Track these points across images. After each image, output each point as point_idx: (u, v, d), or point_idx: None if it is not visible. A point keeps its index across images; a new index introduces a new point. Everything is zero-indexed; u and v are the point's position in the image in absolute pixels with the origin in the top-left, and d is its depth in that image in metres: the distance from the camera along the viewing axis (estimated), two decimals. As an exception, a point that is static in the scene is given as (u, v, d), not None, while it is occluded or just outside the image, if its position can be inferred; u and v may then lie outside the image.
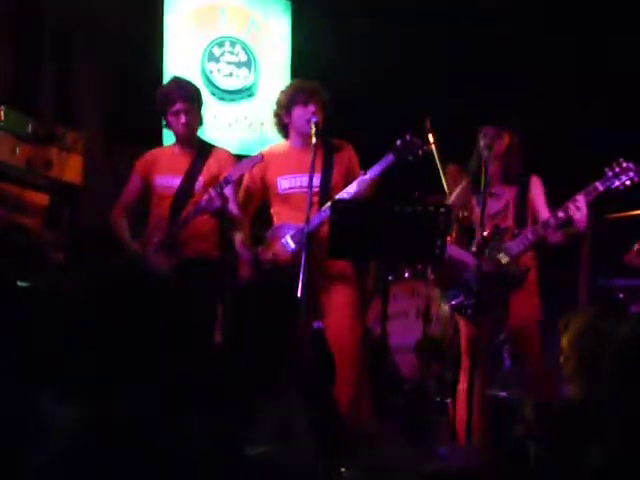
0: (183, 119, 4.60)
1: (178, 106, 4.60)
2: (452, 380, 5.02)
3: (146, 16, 6.41)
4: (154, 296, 1.89)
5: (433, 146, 5.01)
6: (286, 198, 4.62)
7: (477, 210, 4.49)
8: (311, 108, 4.55)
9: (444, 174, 5.03)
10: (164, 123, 4.73)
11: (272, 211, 4.74)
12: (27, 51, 5.74)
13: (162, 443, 1.80)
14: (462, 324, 4.56)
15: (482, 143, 4.40)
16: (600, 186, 4.28)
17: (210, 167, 4.71)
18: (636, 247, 5.09)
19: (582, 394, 3.11)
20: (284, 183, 4.62)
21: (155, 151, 4.85)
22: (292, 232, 4.46)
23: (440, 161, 5.00)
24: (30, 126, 4.92)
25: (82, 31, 6.07)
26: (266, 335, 3.05)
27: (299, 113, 4.59)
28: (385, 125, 6.29)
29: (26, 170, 4.88)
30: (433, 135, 4.92)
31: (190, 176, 4.67)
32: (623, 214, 5.41)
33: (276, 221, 4.66)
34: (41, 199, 4.99)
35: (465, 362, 4.51)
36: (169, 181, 4.67)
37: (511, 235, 4.45)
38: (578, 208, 4.24)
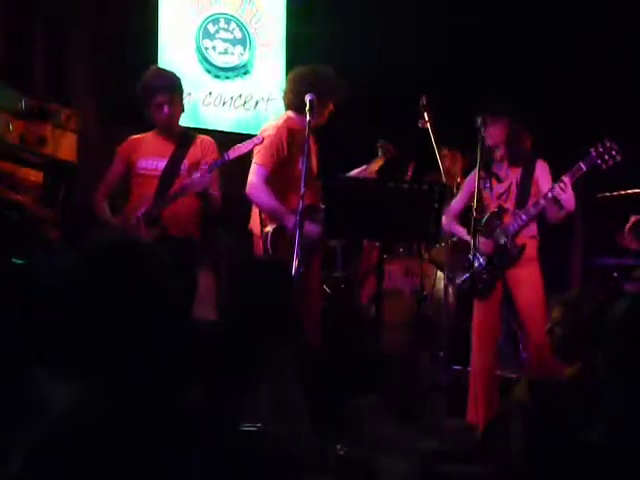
0: (166, 110, 4.65)
1: (160, 99, 4.63)
2: (445, 358, 5.07)
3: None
4: (147, 264, 1.89)
5: (429, 124, 5.00)
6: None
7: (485, 194, 4.72)
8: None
9: (440, 154, 5.04)
10: (146, 112, 4.73)
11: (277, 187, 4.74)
12: (20, 29, 5.70)
13: (158, 419, 1.81)
14: (475, 305, 4.70)
15: (490, 129, 4.58)
16: (584, 166, 4.44)
17: (194, 152, 4.76)
18: (628, 226, 5.15)
19: (576, 370, 3.13)
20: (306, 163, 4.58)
21: (137, 137, 4.86)
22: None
23: (436, 140, 5.00)
24: (24, 103, 4.89)
25: (75, 8, 6.02)
26: (262, 312, 3.05)
27: None
28: (381, 105, 6.32)
29: (20, 147, 4.86)
30: (429, 113, 4.91)
31: (175, 159, 4.73)
32: (616, 193, 5.44)
33: (293, 200, 4.61)
34: (35, 176, 4.97)
35: (475, 342, 4.61)
36: (154, 163, 4.72)
37: (510, 216, 4.64)
38: (562, 189, 4.37)
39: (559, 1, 6.53)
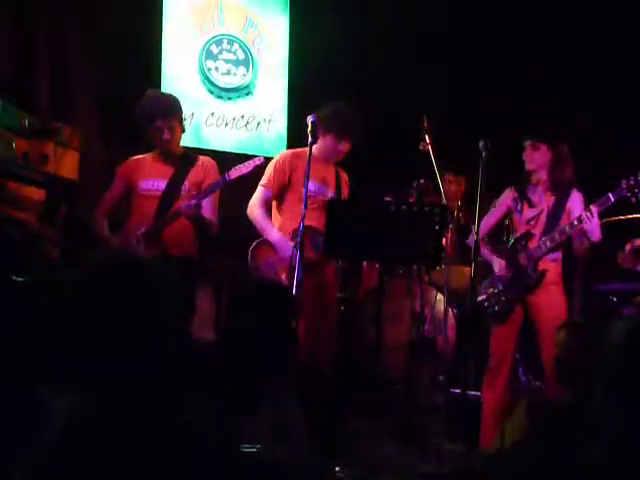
0: (167, 135, 4.69)
1: (159, 123, 4.68)
2: (445, 381, 5.06)
3: (145, 13, 6.41)
4: (147, 279, 1.89)
5: (430, 147, 5.00)
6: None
7: (515, 216, 4.76)
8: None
9: (441, 177, 5.04)
10: (145, 136, 4.77)
11: (285, 208, 4.80)
12: (24, 47, 5.72)
13: (160, 438, 1.80)
14: (492, 329, 4.70)
15: (532, 154, 4.64)
16: (613, 197, 4.43)
17: (195, 173, 4.81)
18: (628, 247, 5.16)
19: (574, 395, 3.13)
20: (310, 186, 4.61)
21: (138, 157, 4.89)
22: (319, 238, 4.52)
23: (437, 162, 5.00)
24: (27, 121, 4.91)
25: (79, 28, 6.05)
26: (263, 333, 3.05)
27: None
28: (383, 125, 6.33)
29: (22, 164, 4.87)
30: (430, 135, 4.91)
31: (176, 180, 4.77)
32: (617, 218, 5.43)
33: (293, 220, 4.65)
34: (37, 194, 4.97)
35: (492, 362, 4.67)
36: (155, 184, 4.75)
37: (536, 241, 4.63)
38: (589, 218, 4.36)
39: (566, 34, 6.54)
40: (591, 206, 4.43)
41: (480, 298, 4.69)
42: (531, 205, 4.71)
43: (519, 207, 4.73)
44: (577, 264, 5.88)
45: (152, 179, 4.75)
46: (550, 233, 4.58)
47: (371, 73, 6.74)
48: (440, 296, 5.77)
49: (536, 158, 4.63)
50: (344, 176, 5.02)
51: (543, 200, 4.71)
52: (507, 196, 4.79)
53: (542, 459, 2.55)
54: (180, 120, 4.80)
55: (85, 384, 1.81)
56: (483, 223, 4.69)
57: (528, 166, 4.66)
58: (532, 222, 4.70)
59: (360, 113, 4.88)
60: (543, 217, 4.68)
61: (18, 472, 1.72)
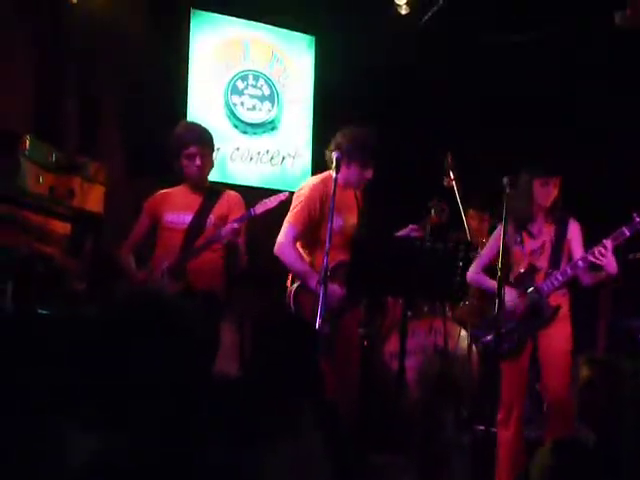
0: (198, 162, 4.67)
1: (193, 149, 4.66)
2: (468, 417, 5.02)
3: (171, 48, 6.48)
4: (172, 316, 1.90)
5: (454, 182, 5.02)
6: (337, 234, 4.54)
7: (515, 248, 4.68)
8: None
9: (466, 214, 5.04)
10: (176, 165, 4.76)
11: (320, 244, 4.67)
12: (51, 82, 5.79)
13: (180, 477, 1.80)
14: (502, 365, 4.61)
15: (544, 189, 4.57)
16: (627, 231, 4.38)
17: (220, 207, 4.78)
18: None
19: (600, 435, 3.09)
20: (338, 221, 4.59)
21: (164, 191, 4.89)
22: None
23: (461, 198, 5.01)
24: (54, 156, 4.96)
25: (107, 63, 6.12)
26: (287, 369, 3.04)
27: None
28: (406, 161, 6.35)
29: (49, 199, 4.92)
30: (454, 171, 4.92)
31: (202, 213, 4.74)
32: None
33: (320, 258, 4.57)
34: (63, 228, 5.02)
35: (504, 401, 4.60)
36: (180, 217, 4.74)
37: (543, 275, 4.58)
38: (602, 254, 4.33)
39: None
40: (604, 241, 4.39)
41: (487, 338, 4.63)
42: (531, 236, 4.67)
43: (519, 239, 4.68)
44: (600, 299, 5.84)
45: (178, 212, 4.74)
46: (556, 265, 4.55)
47: (396, 109, 6.77)
48: (464, 332, 5.75)
49: (550, 193, 4.59)
50: (360, 195, 4.91)
51: (543, 231, 4.67)
52: (500, 232, 4.73)
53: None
54: (212, 151, 4.80)
55: (108, 421, 1.81)
56: (477, 261, 4.71)
57: (544, 203, 4.60)
58: (536, 254, 4.65)
59: (378, 136, 4.80)
60: (547, 249, 4.64)
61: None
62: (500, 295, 4.22)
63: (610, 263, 4.41)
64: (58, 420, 2.04)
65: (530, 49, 6.60)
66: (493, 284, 4.52)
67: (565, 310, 4.63)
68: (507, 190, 4.40)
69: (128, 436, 1.79)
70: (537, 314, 4.57)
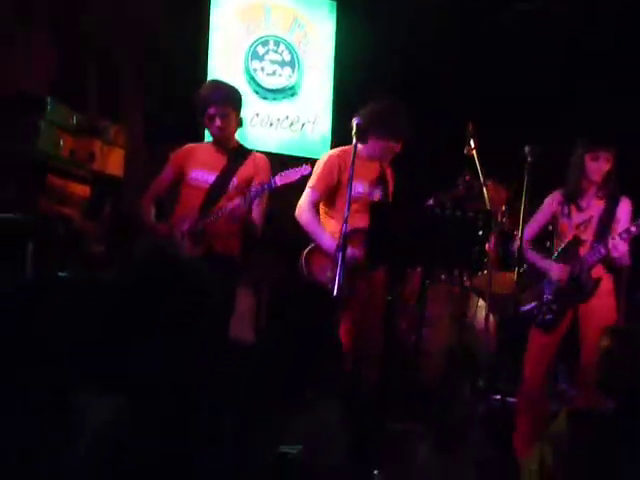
0: (218, 122, 4.60)
1: (212, 110, 4.59)
2: (485, 388, 5.01)
3: (192, 14, 6.45)
4: (190, 282, 1.89)
5: (474, 152, 4.96)
6: (356, 201, 4.55)
7: (562, 221, 4.65)
8: None
9: (484, 182, 4.99)
10: (201, 125, 4.75)
11: (337, 209, 4.70)
12: (72, 47, 5.79)
13: (192, 439, 1.81)
14: (534, 332, 4.60)
15: (595, 164, 4.51)
16: None
17: (246, 169, 4.72)
18: None
19: (618, 405, 3.07)
20: (357, 187, 4.60)
21: (192, 146, 4.84)
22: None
23: (481, 167, 4.96)
24: (74, 118, 4.96)
25: (127, 28, 6.10)
26: (304, 338, 3.04)
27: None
28: (428, 129, 6.30)
29: (69, 161, 4.92)
30: (475, 141, 4.87)
31: (225, 174, 4.68)
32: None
33: (337, 223, 4.59)
34: (83, 190, 5.03)
35: (528, 371, 4.58)
36: (204, 176, 4.68)
37: (587, 247, 4.54)
38: (616, 246, 4.33)
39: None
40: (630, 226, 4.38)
41: (528, 307, 4.61)
42: (579, 209, 4.61)
43: (566, 211, 4.63)
44: (619, 271, 5.80)
45: (202, 170, 4.68)
46: (601, 240, 4.47)
47: (418, 75, 6.72)
48: (482, 302, 5.73)
49: (601, 168, 4.51)
50: (389, 172, 4.96)
51: (592, 205, 4.61)
52: (552, 200, 4.71)
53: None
54: (237, 111, 4.70)
55: (119, 384, 1.81)
56: (527, 229, 4.61)
57: (594, 177, 4.53)
58: (582, 227, 4.60)
59: (408, 110, 4.79)
60: (594, 223, 4.58)
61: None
62: (519, 263, 4.19)
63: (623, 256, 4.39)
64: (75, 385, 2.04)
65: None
66: (538, 258, 4.58)
67: (609, 287, 4.58)
68: (528, 159, 4.36)
69: (141, 400, 1.80)
70: (577, 286, 4.52)
